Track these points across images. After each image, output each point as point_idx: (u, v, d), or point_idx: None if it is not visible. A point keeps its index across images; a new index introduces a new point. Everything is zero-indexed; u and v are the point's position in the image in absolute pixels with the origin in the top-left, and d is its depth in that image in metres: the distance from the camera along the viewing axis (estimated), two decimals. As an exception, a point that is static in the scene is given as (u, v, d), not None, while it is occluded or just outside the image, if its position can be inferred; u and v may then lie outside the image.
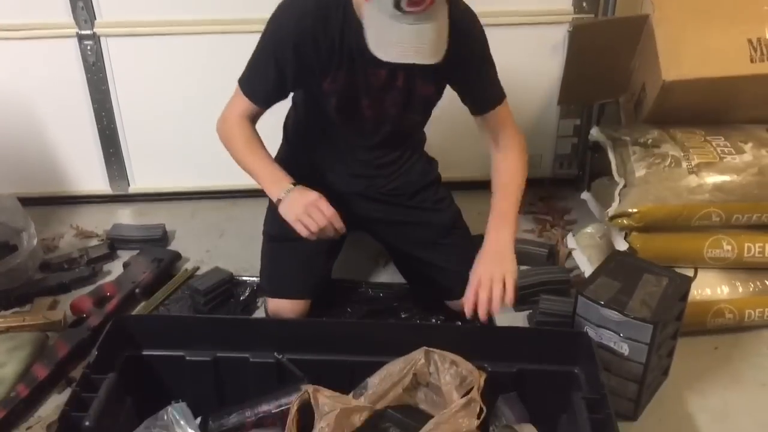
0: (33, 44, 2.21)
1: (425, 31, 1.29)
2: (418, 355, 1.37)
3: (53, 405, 1.61)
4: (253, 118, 1.63)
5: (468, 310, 1.51)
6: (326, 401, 1.30)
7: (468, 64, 1.55)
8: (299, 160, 1.80)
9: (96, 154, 2.40)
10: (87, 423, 1.21)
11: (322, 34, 1.49)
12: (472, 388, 1.30)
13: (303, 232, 1.50)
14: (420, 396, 1.39)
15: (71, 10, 2.15)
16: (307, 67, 1.53)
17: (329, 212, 1.50)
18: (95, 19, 2.17)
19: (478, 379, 1.32)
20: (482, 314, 1.49)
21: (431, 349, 1.37)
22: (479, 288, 1.50)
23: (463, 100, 1.65)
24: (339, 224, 1.51)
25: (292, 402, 1.31)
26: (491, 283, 1.49)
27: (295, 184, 1.54)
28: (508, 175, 1.66)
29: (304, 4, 1.49)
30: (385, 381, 1.36)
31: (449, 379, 1.35)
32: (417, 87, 1.60)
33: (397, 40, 1.30)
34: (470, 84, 1.61)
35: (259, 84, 1.58)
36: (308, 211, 1.49)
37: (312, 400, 1.30)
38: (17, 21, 2.17)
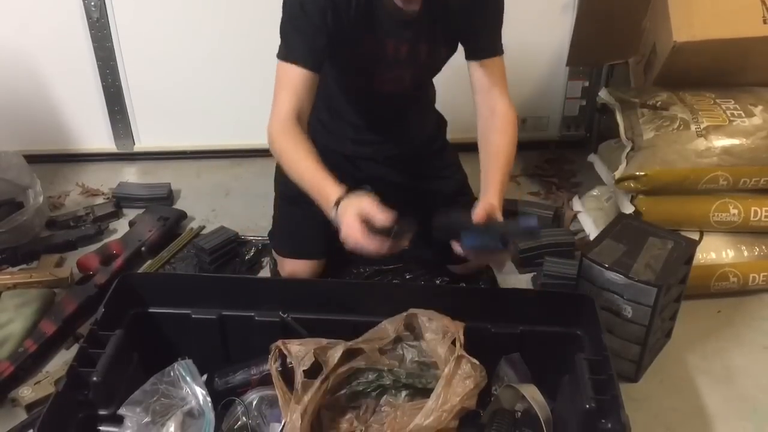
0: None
1: None
2: (400, 318, 1.38)
3: (61, 360, 1.63)
4: (302, 108, 1.41)
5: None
6: (298, 348, 1.32)
7: (483, 6, 1.52)
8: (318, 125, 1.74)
9: (101, 112, 2.39)
10: (95, 378, 1.22)
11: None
12: (455, 339, 1.31)
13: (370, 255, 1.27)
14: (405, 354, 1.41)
15: (74, -35, 2.13)
16: (339, 25, 1.42)
17: (381, 223, 1.24)
18: (98, -26, 2.15)
19: (458, 332, 1.32)
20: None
21: (415, 310, 1.38)
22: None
23: (464, 41, 1.57)
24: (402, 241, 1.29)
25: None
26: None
27: (340, 199, 1.29)
28: (504, 151, 1.52)
29: None
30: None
31: (432, 335, 1.36)
32: (439, 54, 1.58)
33: None
34: (478, 26, 1.54)
35: (302, 43, 1.41)
36: (358, 243, 1.24)
37: (286, 353, 1.32)
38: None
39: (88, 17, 2.21)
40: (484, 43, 1.56)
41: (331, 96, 1.68)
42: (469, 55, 1.57)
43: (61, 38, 2.25)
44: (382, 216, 1.23)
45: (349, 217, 1.24)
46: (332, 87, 1.66)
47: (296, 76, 1.40)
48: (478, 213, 1.36)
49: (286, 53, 1.42)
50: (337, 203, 1.28)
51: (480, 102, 1.57)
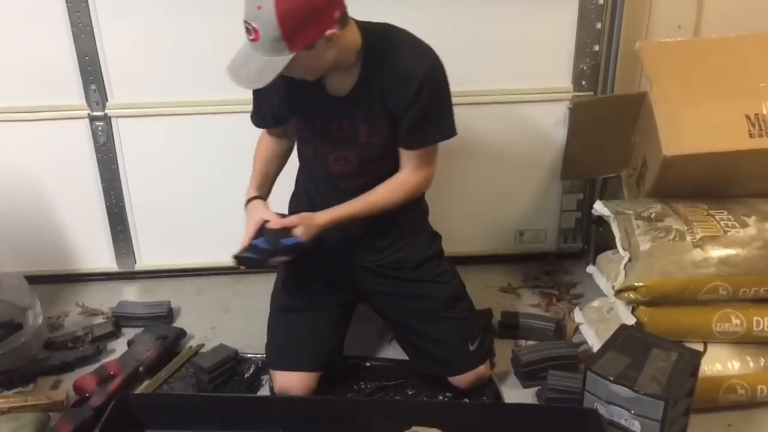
0: (45, 125, 2.25)
1: (248, 58, 1.46)
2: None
3: (53, 488, 1.58)
4: (273, 134, 1.86)
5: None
6: None
7: (411, 107, 1.61)
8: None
9: (103, 232, 2.42)
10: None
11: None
12: None
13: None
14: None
15: (84, 93, 2.21)
16: (271, 101, 1.74)
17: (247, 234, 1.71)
18: (107, 100, 2.23)
19: None
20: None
21: (418, 427, 1.35)
22: (295, 219, 1.67)
23: (396, 126, 1.68)
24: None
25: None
26: (295, 226, 1.65)
27: (251, 200, 1.79)
28: (381, 197, 1.72)
29: None
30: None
31: None
32: (380, 134, 1.68)
33: (237, 54, 1.49)
34: (406, 122, 1.64)
35: (257, 115, 1.83)
36: (254, 221, 1.71)
37: None
38: (30, 103, 2.22)
39: (95, 141, 2.28)
40: (412, 137, 1.66)
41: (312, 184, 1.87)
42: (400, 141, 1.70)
43: (67, 161, 2.31)
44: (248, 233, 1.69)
45: (248, 219, 1.74)
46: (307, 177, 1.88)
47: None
48: (291, 219, 1.67)
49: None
50: (247, 203, 1.78)
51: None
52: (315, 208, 1.76)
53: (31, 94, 2.22)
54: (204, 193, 2.37)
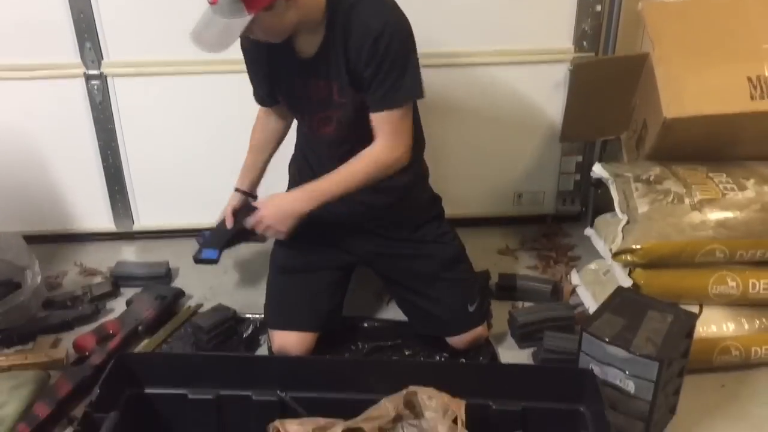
0: (40, 84, 2.24)
1: (209, 23, 1.47)
2: (399, 396, 1.36)
3: (54, 445, 1.60)
4: (270, 114, 1.91)
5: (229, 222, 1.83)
6: (296, 428, 1.30)
7: (370, 63, 1.58)
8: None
9: (101, 192, 2.41)
10: (88, 462, 1.20)
11: (255, 49, 1.70)
12: (456, 418, 1.29)
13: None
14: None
15: (79, 51, 2.19)
16: (262, 69, 1.77)
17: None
18: (102, 59, 2.20)
19: (459, 410, 1.31)
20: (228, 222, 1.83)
21: (414, 387, 1.36)
22: (254, 217, 1.72)
23: (364, 89, 1.65)
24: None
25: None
26: (260, 224, 1.71)
27: (237, 190, 1.94)
28: (352, 171, 1.68)
29: None
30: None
31: (432, 414, 1.34)
32: (347, 99, 1.67)
33: (198, 20, 1.49)
34: (367, 81, 1.61)
35: (254, 86, 1.85)
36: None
37: None
38: (25, 61, 2.20)
39: (91, 100, 2.26)
40: (375, 97, 1.63)
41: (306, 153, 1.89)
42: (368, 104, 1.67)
43: (64, 120, 2.29)
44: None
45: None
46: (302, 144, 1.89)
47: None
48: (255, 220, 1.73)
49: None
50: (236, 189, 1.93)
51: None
52: (313, 171, 1.78)
53: (26, 52, 2.19)
54: (202, 153, 2.36)
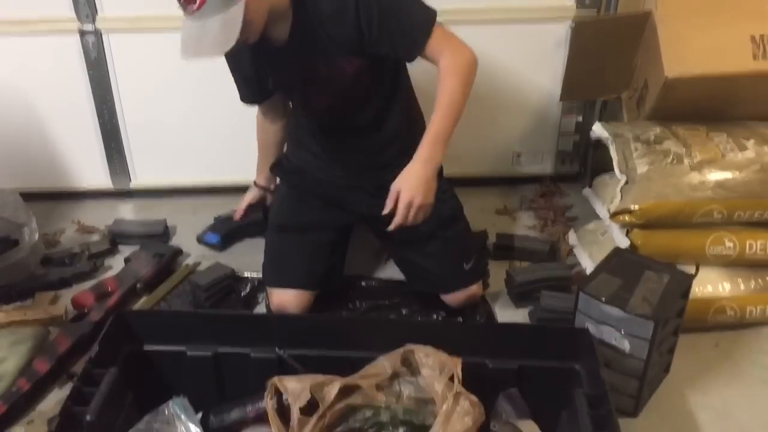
0: (34, 40, 2.21)
1: (202, 28, 1.41)
2: (397, 354, 1.38)
3: (54, 399, 1.61)
4: (266, 111, 1.96)
5: (386, 210, 1.56)
6: (294, 385, 1.32)
7: (370, 30, 1.55)
8: (300, 154, 1.91)
9: (97, 150, 2.40)
10: (88, 417, 1.21)
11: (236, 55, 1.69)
12: (452, 375, 1.31)
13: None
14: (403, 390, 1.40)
15: (73, 5, 2.15)
16: (248, 71, 1.77)
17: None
18: (97, 14, 2.17)
19: (456, 368, 1.32)
20: (394, 225, 1.56)
21: (412, 345, 1.37)
22: (399, 205, 1.54)
23: (377, 54, 1.62)
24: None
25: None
26: (410, 207, 1.53)
27: (255, 183, 2.11)
28: (449, 93, 1.56)
29: None
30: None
31: (429, 371, 1.36)
32: (337, 70, 1.64)
33: (184, 36, 1.44)
34: (386, 43, 1.57)
35: (239, 89, 1.87)
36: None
37: (282, 390, 1.31)
38: (18, 16, 2.17)
39: (86, 56, 2.23)
40: (405, 50, 1.59)
41: (300, 129, 1.90)
42: (407, 60, 1.66)
43: (59, 77, 2.27)
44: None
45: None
46: (300, 123, 1.89)
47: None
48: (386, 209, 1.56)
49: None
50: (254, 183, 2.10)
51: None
52: (309, 150, 1.86)
53: (20, 6, 2.16)
54: (199, 111, 2.34)
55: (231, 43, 1.41)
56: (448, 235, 1.81)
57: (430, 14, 1.58)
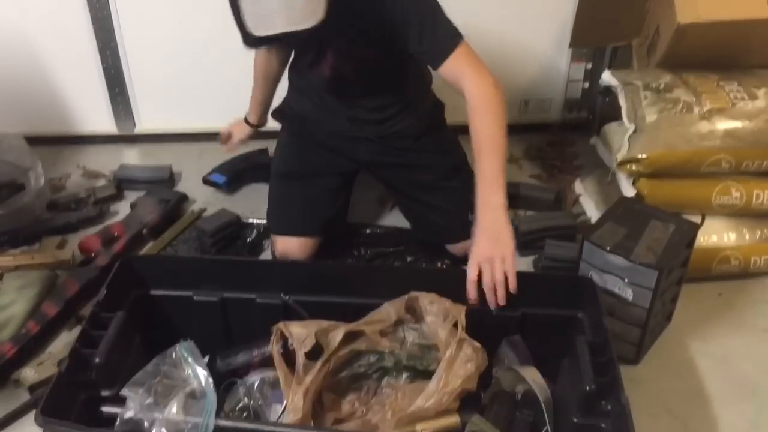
0: (36, -20, 2.17)
1: None
2: (401, 301, 1.39)
3: (63, 342, 1.64)
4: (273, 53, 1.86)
5: (471, 298, 1.38)
6: (299, 330, 1.33)
7: (395, 20, 1.51)
8: (302, 102, 1.87)
9: (101, 94, 2.38)
10: (97, 359, 1.23)
11: None
12: (456, 322, 1.32)
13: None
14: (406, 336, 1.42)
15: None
16: None
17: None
18: (99, -46, 2.13)
19: (460, 315, 1.33)
20: (491, 305, 1.38)
21: (416, 293, 1.38)
22: (481, 276, 1.38)
23: (401, 50, 1.57)
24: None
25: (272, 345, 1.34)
26: (491, 270, 1.37)
27: (246, 120, 2.08)
28: (486, 135, 1.49)
29: None
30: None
31: (433, 318, 1.37)
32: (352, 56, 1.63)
33: (252, 6, 1.26)
34: (407, 40, 1.53)
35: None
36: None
37: (287, 335, 1.33)
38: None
39: (88, -3, 2.20)
40: (427, 54, 1.55)
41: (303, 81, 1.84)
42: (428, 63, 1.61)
43: (62, 20, 2.24)
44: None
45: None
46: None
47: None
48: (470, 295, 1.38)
49: None
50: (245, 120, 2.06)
51: (462, 93, 1.55)
52: (314, 97, 1.81)
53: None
54: (205, 54, 2.31)
55: (322, 14, 1.27)
56: (450, 186, 1.80)
57: (458, 31, 1.54)
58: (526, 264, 1.89)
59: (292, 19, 1.27)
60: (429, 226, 1.85)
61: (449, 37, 1.53)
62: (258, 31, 1.29)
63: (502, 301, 1.37)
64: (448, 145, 1.83)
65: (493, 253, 1.38)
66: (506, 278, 1.36)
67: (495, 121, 1.49)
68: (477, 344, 1.30)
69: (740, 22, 1.78)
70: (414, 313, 1.40)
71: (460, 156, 1.85)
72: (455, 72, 1.54)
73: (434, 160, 1.81)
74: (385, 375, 1.40)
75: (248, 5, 1.27)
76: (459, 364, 1.28)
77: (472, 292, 1.37)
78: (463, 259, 1.82)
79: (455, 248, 1.83)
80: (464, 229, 1.80)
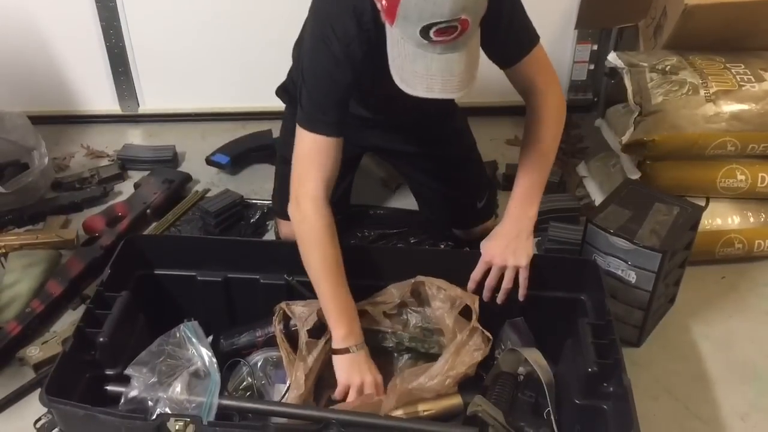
0: (38, -42, 2.16)
1: (453, 62, 1.16)
2: (407, 284, 1.39)
3: (68, 321, 1.65)
4: (330, 179, 1.38)
5: (471, 287, 1.40)
6: (302, 309, 1.35)
7: (493, 25, 1.33)
8: None
9: (105, 74, 2.37)
10: (101, 338, 1.24)
11: (367, 55, 1.32)
12: (462, 311, 1.33)
13: (340, 395, 1.33)
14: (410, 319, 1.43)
15: None
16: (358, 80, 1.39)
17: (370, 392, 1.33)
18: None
19: (474, 304, 1.34)
20: (486, 298, 1.40)
21: (423, 277, 1.38)
22: (490, 270, 1.39)
23: (488, 55, 1.44)
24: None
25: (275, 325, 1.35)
26: (502, 270, 1.38)
27: (358, 345, 1.34)
28: (543, 149, 1.45)
29: (346, 29, 1.30)
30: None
31: (439, 304, 1.38)
32: None
33: (423, 71, 1.17)
34: (494, 41, 1.36)
35: (333, 115, 1.36)
36: (357, 388, 1.32)
37: (290, 314, 1.34)
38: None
39: (92, -24, 2.19)
40: (505, 53, 1.45)
41: None
42: (498, 65, 1.48)
43: (65, -1, 2.23)
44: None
45: (361, 362, 1.32)
46: None
47: (324, 146, 1.35)
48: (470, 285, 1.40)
49: (312, 125, 1.35)
50: (356, 346, 1.32)
51: (524, 98, 1.51)
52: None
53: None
54: (208, 34, 2.30)
55: (473, 81, 1.19)
56: (460, 175, 1.78)
57: (535, 30, 1.45)
58: (530, 246, 1.89)
59: (450, 85, 1.18)
60: (438, 212, 1.85)
61: (528, 35, 1.43)
62: (412, 90, 1.19)
63: (500, 302, 1.39)
64: (456, 135, 1.81)
65: (506, 259, 1.38)
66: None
67: (556, 138, 1.47)
68: (488, 335, 1.32)
69: (747, 4, 1.77)
70: (419, 297, 1.41)
71: (469, 145, 1.82)
72: (528, 74, 1.45)
73: (444, 150, 1.78)
74: (386, 354, 1.41)
75: (418, 66, 1.17)
76: (466, 352, 1.30)
77: (472, 287, 1.39)
78: (468, 242, 1.83)
79: (463, 233, 1.82)
80: (473, 217, 1.80)
